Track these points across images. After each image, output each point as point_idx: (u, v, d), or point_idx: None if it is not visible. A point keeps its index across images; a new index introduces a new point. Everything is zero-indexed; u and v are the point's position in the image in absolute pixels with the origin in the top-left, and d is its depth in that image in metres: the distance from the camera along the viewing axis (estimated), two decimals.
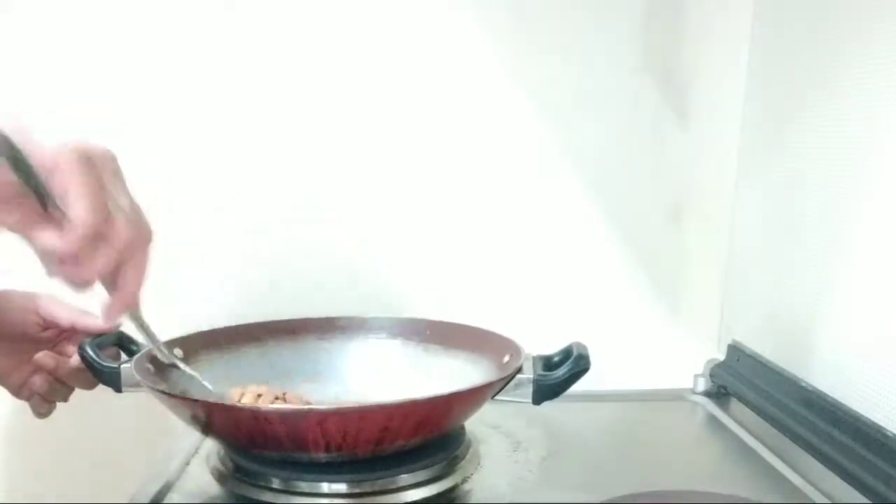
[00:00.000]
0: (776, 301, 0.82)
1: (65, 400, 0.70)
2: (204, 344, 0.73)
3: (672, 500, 0.60)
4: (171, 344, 0.69)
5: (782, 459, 0.70)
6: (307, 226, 0.88)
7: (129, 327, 0.69)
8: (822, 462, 0.68)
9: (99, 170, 0.46)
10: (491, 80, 0.87)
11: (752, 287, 0.87)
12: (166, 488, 0.63)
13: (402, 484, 0.62)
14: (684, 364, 0.90)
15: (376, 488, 0.61)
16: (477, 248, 0.90)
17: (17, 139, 0.44)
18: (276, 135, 0.87)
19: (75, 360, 0.67)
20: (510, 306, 0.89)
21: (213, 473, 0.65)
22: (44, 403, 0.69)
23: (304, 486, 0.61)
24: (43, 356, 0.67)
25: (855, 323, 0.69)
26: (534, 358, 0.67)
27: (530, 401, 0.64)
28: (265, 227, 0.88)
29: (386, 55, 0.86)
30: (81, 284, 0.49)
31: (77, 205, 0.45)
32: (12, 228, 0.46)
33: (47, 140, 0.44)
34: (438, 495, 0.62)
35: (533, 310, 0.90)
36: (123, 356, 0.68)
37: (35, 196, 0.45)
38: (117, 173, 0.49)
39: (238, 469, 0.64)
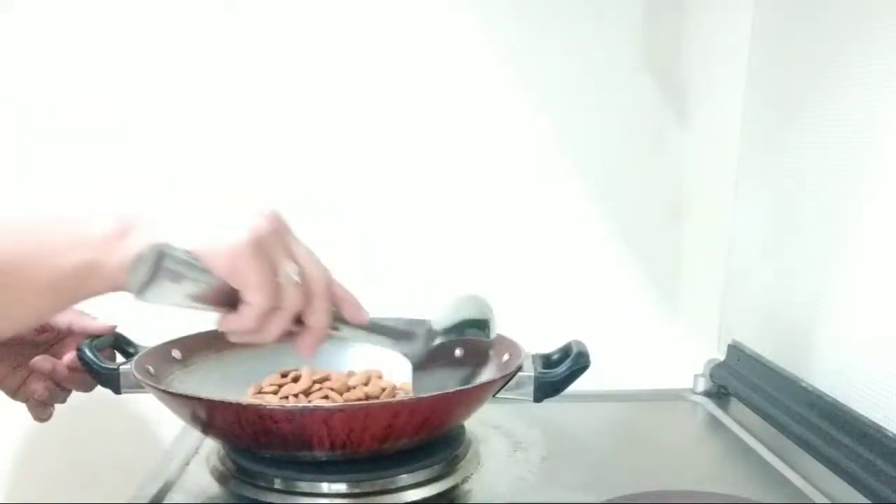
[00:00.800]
0: (776, 301, 0.82)
1: (63, 402, 0.70)
2: (206, 344, 0.73)
3: (672, 500, 0.60)
4: (172, 344, 0.69)
5: (782, 459, 0.70)
6: (309, 225, 0.88)
7: (124, 328, 0.69)
8: (822, 462, 0.68)
9: (269, 250, 0.51)
10: (491, 80, 0.87)
11: (753, 287, 0.87)
12: (166, 488, 0.63)
13: (402, 484, 0.62)
14: (684, 364, 0.90)
15: (376, 488, 0.61)
16: (477, 247, 0.90)
17: (200, 252, 0.50)
18: (280, 134, 0.87)
19: (67, 358, 0.66)
20: (510, 306, 0.88)
21: (213, 473, 0.65)
22: (44, 409, 0.69)
23: (304, 486, 0.61)
24: (40, 360, 0.67)
25: (855, 323, 0.69)
26: (533, 356, 0.67)
27: (531, 398, 0.64)
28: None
29: (387, 57, 0.86)
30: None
31: (255, 297, 0.51)
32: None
33: (223, 239, 0.50)
34: (438, 495, 0.62)
35: (533, 309, 0.90)
36: (120, 358, 0.68)
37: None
38: (284, 238, 0.53)
39: (238, 469, 0.64)
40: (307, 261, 0.54)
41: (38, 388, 0.67)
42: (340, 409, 0.59)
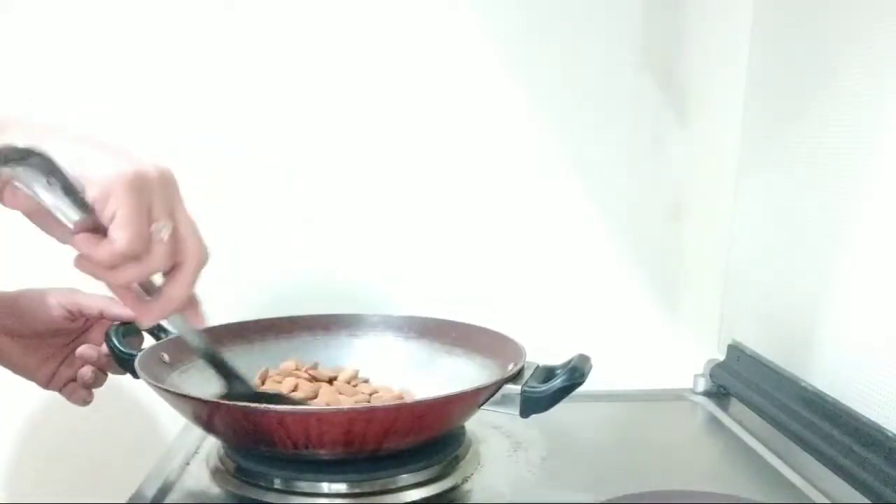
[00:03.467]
0: (776, 301, 0.82)
1: (101, 385, 0.70)
2: (231, 336, 0.74)
3: (672, 500, 0.60)
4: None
5: (782, 459, 0.70)
6: (307, 227, 0.88)
7: None
8: (821, 462, 0.68)
9: (150, 196, 0.48)
10: (491, 81, 0.87)
11: (753, 287, 0.87)
12: (166, 488, 0.63)
13: (402, 484, 0.62)
14: (684, 364, 0.90)
15: (376, 488, 0.61)
16: (476, 248, 0.90)
17: (69, 163, 0.46)
18: (281, 136, 0.87)
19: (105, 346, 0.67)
20: (510, 307, 0.89)
21: (213, 473, 0.65)
22: (88, 392, 0.70)
23: (304, 486, 0.61)
24: (85, 349, 0.68)
25: (855, 323, 0.69)
26: (537, 367, 0.66)
27: (517, 413, 0.62)
28: (282, 229, 0.88)
29: (387, 57, 0.86)
30: (97, 279, 0.51)
31: (118, 232, 0.47)
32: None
33: (106, 166, 0.46)
34: (438, 495, 0.62)
35: (533, 310, 0.90)
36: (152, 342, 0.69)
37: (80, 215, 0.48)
38: (170, 197, 0.50)
39: (238, 469, 0.64)
40: (187, 228, 0.51)
41: (86, 372, 0.68)
42: (292, 413, 0.59)
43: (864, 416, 0.65)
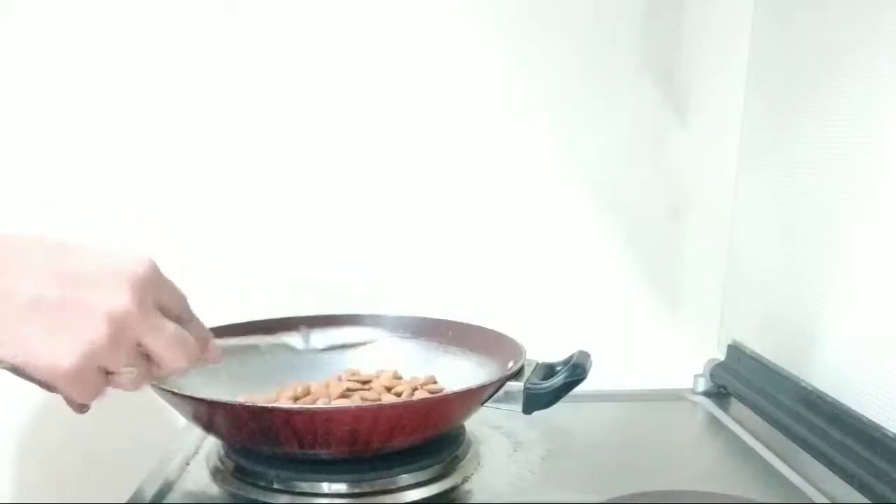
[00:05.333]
0: (776, 301, 0.82)
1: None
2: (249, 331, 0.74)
3: (672, 500, 0.60)
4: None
5: (782, 459, 0.70)
6: (305, 228, 0.88)
7: None
8: (822, 462, 0.68)
9: (95, 369, 0.46)
10: (491, 81, 0.87)
11: (753, 287, 0.87)
12: (166, 488, 0.63)
13: (402, 484, 0.62)
14: (684, 364, 0.90)
15: (376, 488, 0.61)
16: (477, 248, 0.90)
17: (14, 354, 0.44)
18: (282, 138, 0.87)
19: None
20: (510, 306, 0.89)
21: (213, 473, 0.65)
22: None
23: (304, 486, 0.61)
24: None
25: (855, 323, 0.69)
26: (537, 365, 0.66)
27: (520, 410, 0.63)
28: (285, 230, 0.88)
29: (387, 58, 0.86)
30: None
31: (69, 401, 0.49)
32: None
33: (43, 358, 0.44)
34: (438, 495, 0.62)
35: (533, 310, 0.90)
36: None
37: None
38: (134, 333, 0.47)
39: (238, 469, 0.64)
40: (161, 351, 0.49)
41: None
42: (298, 412, 0.59)
43: (864, 417, 0.65)
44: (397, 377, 0.73)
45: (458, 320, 0.77)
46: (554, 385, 0.62)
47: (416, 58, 0.87)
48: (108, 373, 0.48)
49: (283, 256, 0.88)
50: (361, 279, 0.89)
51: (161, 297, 0.49)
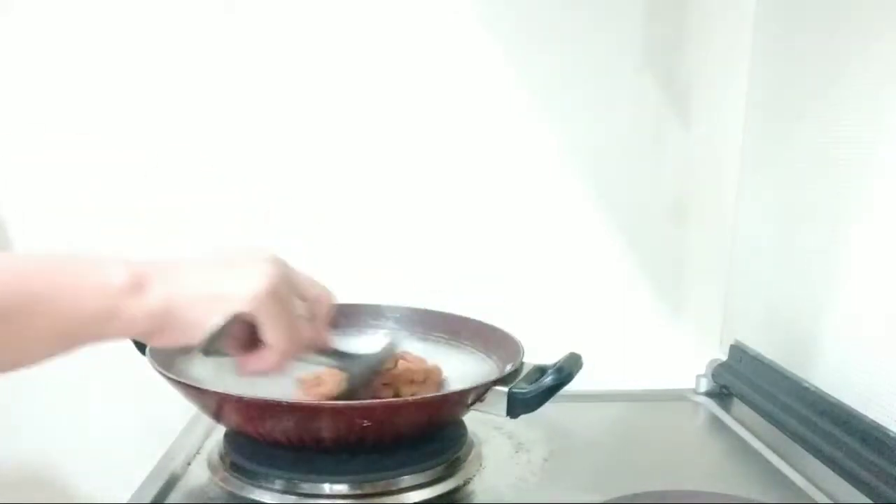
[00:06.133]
0: (778, 301, 0.82)
1: None
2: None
3: (674, 500, 0.60)
4: None
5: (784, 459, 0.70)
6: (305, 228, 0.88)
7: None
8: (823, 462, 0.68)
9: (282, 293, 0.55)
10: (492, 81, 0.87)
11: (755, 287, 0.87)
12: (167, 488, 0.63)
13: (404, 485, 0.62)
14: (686, 364, 0.90)
15: (378, 489, 0.61)
16: (480, 248, 0.90)
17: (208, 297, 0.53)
18: (283, 139, 0.87)
19: None
20: (512, 306, 0.89)
21: (214, 473, 0.65)
22: None
23: (305, 486, 0.61)
24: None
25: (857, 323, 0.69)
26: (532, 367, 0.66)
27: (504, 414, 0.62)
28: (292, 228, 0.88)
29: (388, 58, 0.86)
30: None
31: (275, 337, 0.55)
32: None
33: (242, 289, 0.53)
34: (441, 496, 0.62)
35: (535, 310, 0.90)
36: None
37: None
38: (291, 278, 0.56)
39: (240, 469, 0.64)
40: (313, 293, 0.59)
41: None
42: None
43: (866, 417, 0.65)
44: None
45: (461, 315, 0.78)
46: (538, 389, 0.61)
47: (417, 58, 0.87)
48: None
49: (285, 252, 0.88)
50: (362, 277, 0.89)
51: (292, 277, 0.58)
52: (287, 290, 0.55)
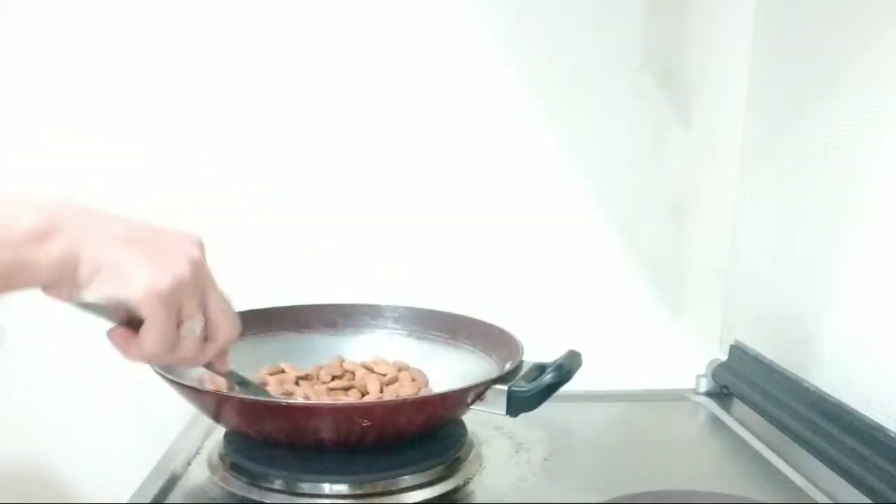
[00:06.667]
0: (778, 301, 0.82)
1: None
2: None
3: (674, 500, 0.60)
4: None
5: (784, 459, 0.70)
6: (303, 226, 0.88)
7: None
8: (824, 462, 0.68)
9: (180, 300, 0.50)
10: (492, 81, 0.87)
11: (755, 287, 0.87)
12: (167, 488, 0.63)
13: (403, 485, 0.62)
14: (686, 364, 0.90)
15: (378, 489, 0.61)
16: (480, 247, 0.90)
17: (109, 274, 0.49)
18: (293, 132, 0.87)
19: None
20: (512, 305, 0.89)
21: (214, 473, 0.65)
22: None
23: (305, 486, 0.61)
24: None
25: (857, 323, 0.69)
26: (532, 365, 0.66)
27: (504, 412, 0.62)
28: (292, 228, 0.88)
29: (388, 58, 0.86)
30: None
31: (146, 339, 0.51)
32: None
33: (140, 278, 0.49)
34: (441, 496, 0.62)
35: (535, 309, 0.90)
36: None
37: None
38: (201, 288, 0.52)
39: (240, 470, 0.64)
40: (217, 313, 0.54)
41: None
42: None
43: (866, 417, 0.65)
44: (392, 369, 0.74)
45: (461, 314, 0.78)
46: (538, 387, 0.61)
47: (417, 58, 0.87)
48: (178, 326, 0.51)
49: (286, 251, 0.88)
50: (362, 277, 0.89)
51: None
52: (190, 297, 0.51)
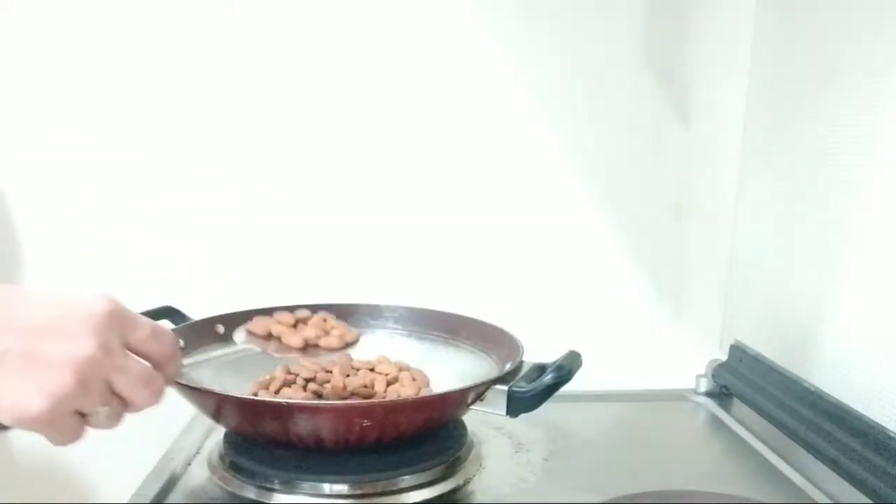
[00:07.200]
0: (778, 301, 0.82)
1: None
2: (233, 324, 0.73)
3: (674, 500, 0.60)
4: (215, 320, 0.72)
5: (784, 459, 0.70)
6: (303, 225, 0.88)
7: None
8: (824, 462, 0.68)
9: (66, 412, 0.47)
10: (492, 81, 0.87)
11: (755, 287, 0.87)
12: (167, 488, 0.63)
13: (403, 485, 0.62)
14: (686, 364, 0.90)
15: (378, 489, 0.61)
16: (480, 247, 0.90)
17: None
18: (294, 131, 0.87)
19: None
20: (512, 305, 0.89)
21: (214, 473, 0.65)
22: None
23: (305, 486, 0.61)
24: None
25: (857, 323, 0.69)
26: (532, 366, 0.66)
27: (504, 413, 0.61)
28: (292, 228, 0.88)
29: (388, 58, 0.86)
30: None
31: (51, 440, 0.48)
32: None
33: (11, 409, 0.45)
34: (441, 496, 0.62)
35: (535, 309, 0.90)
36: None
37: None
38: (105, 372, 0.47)
39: (240, 470, 0.64)
40: (129, 392, 0.49)
41: None
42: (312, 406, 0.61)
43: (866, 417, 0.65)
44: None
45: (462, 314, 0.78)
46: (538, 387, 0.61)
47: (417, 58, 0.87)
48: (82, 415, 0.48)
49: (286, 251, 0.89)
50: (361, 277, 0.89)
51: (125, 334, 0.49)
52: (83, 398, 0.47)
